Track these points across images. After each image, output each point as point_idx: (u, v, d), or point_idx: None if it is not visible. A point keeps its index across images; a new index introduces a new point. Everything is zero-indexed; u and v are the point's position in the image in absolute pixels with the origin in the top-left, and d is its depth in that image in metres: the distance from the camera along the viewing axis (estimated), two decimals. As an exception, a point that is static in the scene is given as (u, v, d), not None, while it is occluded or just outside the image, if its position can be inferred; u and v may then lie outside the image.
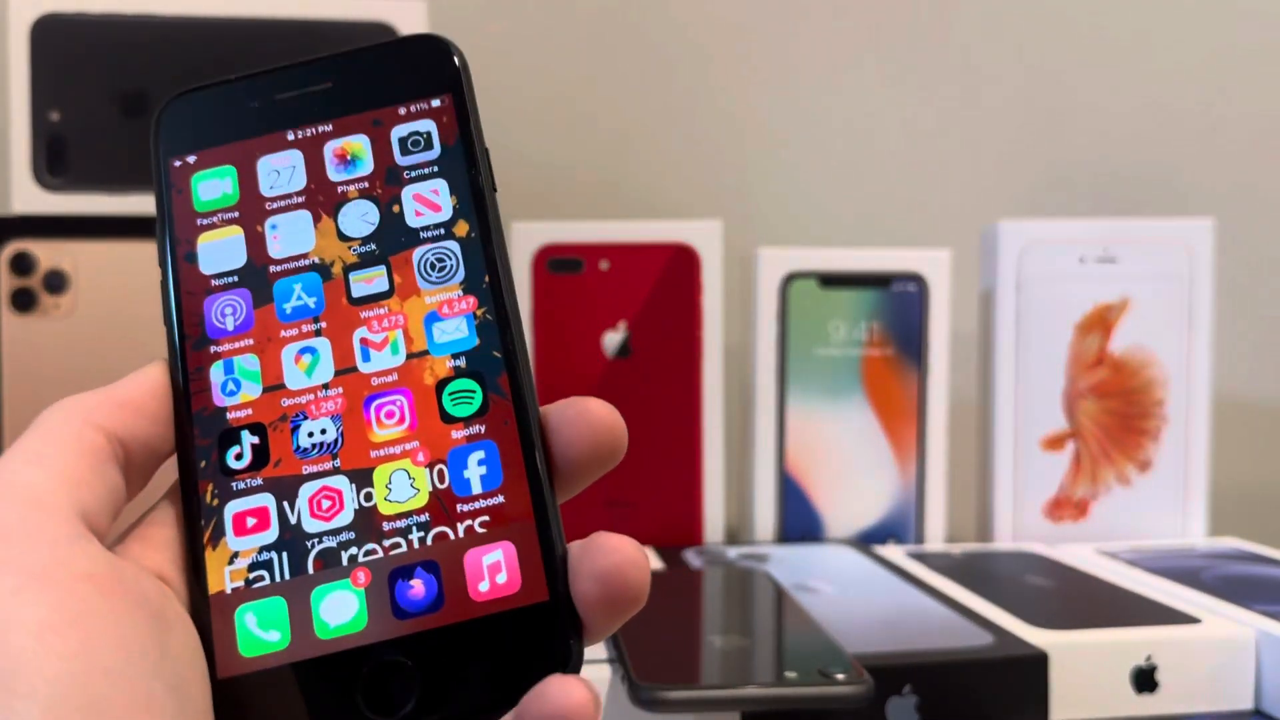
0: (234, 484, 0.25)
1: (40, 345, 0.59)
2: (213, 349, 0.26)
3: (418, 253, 0.27)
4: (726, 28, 0.83)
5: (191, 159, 0.27)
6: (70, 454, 0.24)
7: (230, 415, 0.25)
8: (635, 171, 0.83)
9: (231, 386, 0.26)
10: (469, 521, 0.25)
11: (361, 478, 0.25)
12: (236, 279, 0.27)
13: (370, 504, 0.25)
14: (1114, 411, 0.67)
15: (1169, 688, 0.46)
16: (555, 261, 0.64)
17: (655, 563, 0.60)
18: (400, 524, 0.24)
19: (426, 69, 0.28)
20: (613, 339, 0.65)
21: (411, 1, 0.64)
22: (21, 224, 0.60)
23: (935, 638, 0.46)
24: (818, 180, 0.84)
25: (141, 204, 0.62)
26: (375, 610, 0.24)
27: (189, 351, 0.26)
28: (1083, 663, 0.45)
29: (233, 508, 0.25)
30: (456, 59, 0.28)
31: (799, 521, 0.66)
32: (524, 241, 0.64)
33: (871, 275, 0.66)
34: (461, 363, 0.26)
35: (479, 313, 0.26)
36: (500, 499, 0.25)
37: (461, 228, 0.27)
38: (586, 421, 0.25)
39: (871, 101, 0.84)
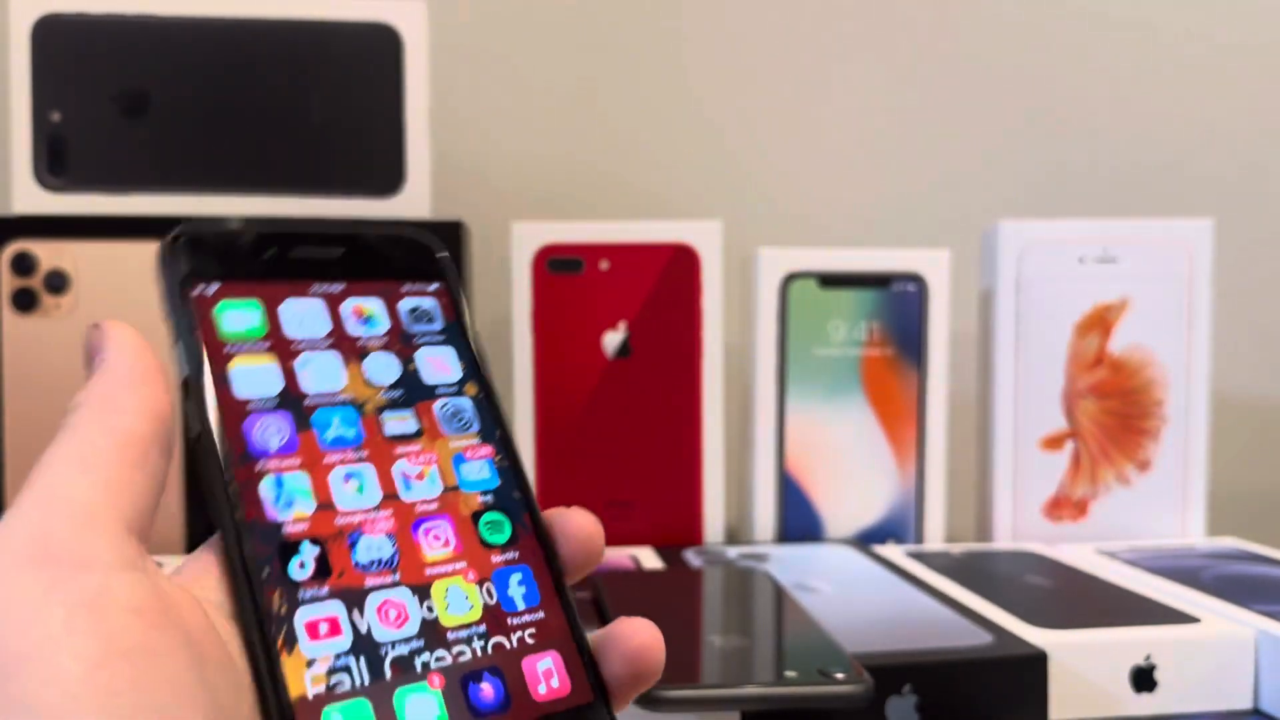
0: (300, 592, 0.25)
1: (41, 345, 0.59)
2: (259, 466, 0.26)
3: (437, 404, 0.30)
4: (727, 28, 0.83)
5: (213, 288, 0.28)
6: (115, 455, 0.24)
7: (287, 529, 0.26)
8: (635, 171, 0.83)
9: (285, 501, 0.26)
10: (520, 633, 0.28)
11: (421, 591, 0.27)
12: (276, 403, 0.27)
13: (433, 615, 0.27)
14: (1113, 411, 0.67)
15: (1168, 687, 0.46)
16: (555, 261, 0.64)
17: (655, 562, 0.60)
18: (463, 634, 0.27)
19: (417, 258, 0.32)
20: (613, 339, 0.65)
21: (412, 2, 0.64)
22: (22, 224, 0.60)
23: (935, 637, 0.46)
24: (818, 180, 0.84)
25: (142, 204, 0.62)
26: (454, 710, 0.26)
27: (236, 466, 0.26)
28: (1082, 662, 0.45)
29: (304, 615, 0.25)
30: (441, 256, 0.32)
31: (799, 521, 0.66)
32: (524, 241, 0.64)
33: (871, 275, 0.66)
34: (490, 499, 0.29)
35: (496, 459, 0.30)
36: (542, 614, 0.28)
37: (470, 389, 0.31)
38: (577, 539, 0.29)
39: (871, 101, 0.84)
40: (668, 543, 0.65)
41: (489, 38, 0.81)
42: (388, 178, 0.64)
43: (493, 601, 0.28)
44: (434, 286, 0.32)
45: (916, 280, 0.66)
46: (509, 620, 0.28)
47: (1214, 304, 0.67)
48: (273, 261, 0.29)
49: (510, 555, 0.28)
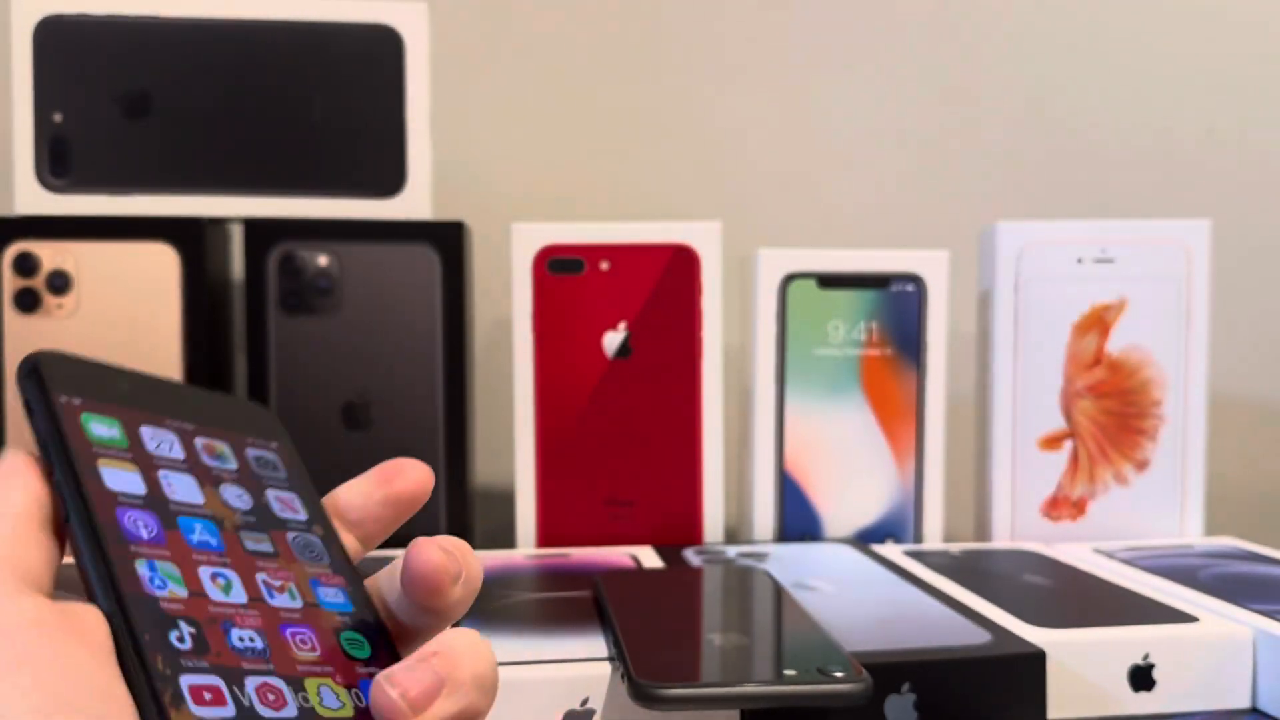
0: (182, 660, 0.26)
1: (43, 345, 0.59)
2: (133, 548, 0.27)
3: (289, 535, 0.31)
4: (726, 28, 0.83)
5: (77, 400, 0.29)
6: (3, 530, 0.25)
7: (164, 605, 0.26)
8: (635, 172, 0.83)
9: (159, 582, 0.27)
10: None
11: (295, 684, 0.27)
12: (142, 502, 0.28)
13: (309, 705, 0.27)
14: (1111, 411, 0.67)
15: (1166, 686, 0.46)
16: (555, 262, 0.65)
17: (655, 562, 0.60)
18: None
19: (257, 421, 0.34)
20: (613, 339, 0.65)
21: (413, 3, 0.64)
22: (25, 225, 0.60)
23: (933, 636, 0.46)
24: (818, 180, 0.85)
25: (145, 205, 0.62)
26: None
27: (112, 544, 0.27)
28: (1080, 661, 0.45)
29: (188, 680, 0.25)
30: (276, 422, 0.35)
31: (798, 520, 0.67)
32: (524, 242, 0.64)
33: (870, 276, 0.66)
34: (348, 620, 0.30)
35: (350, 589, 0.31)
36: None
37: (319, 529, 0.32)
38: (408, 574, 0.30)
39: (870, 102, 0.85)
40: (668, 542, 0.65)
41: (489, 38, 0.82)
42: (389, 178, 0.65)
43: (362, 705, 0.28)
44: (275, 443, 0.34)
45: (915, 281, 0.67)
46: None
47: (1212, 304, 0.67)
48: (130, 394, 0.31)
49: (373, 670, 0.29)
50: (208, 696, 0.25)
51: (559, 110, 0.82)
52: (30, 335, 0.59)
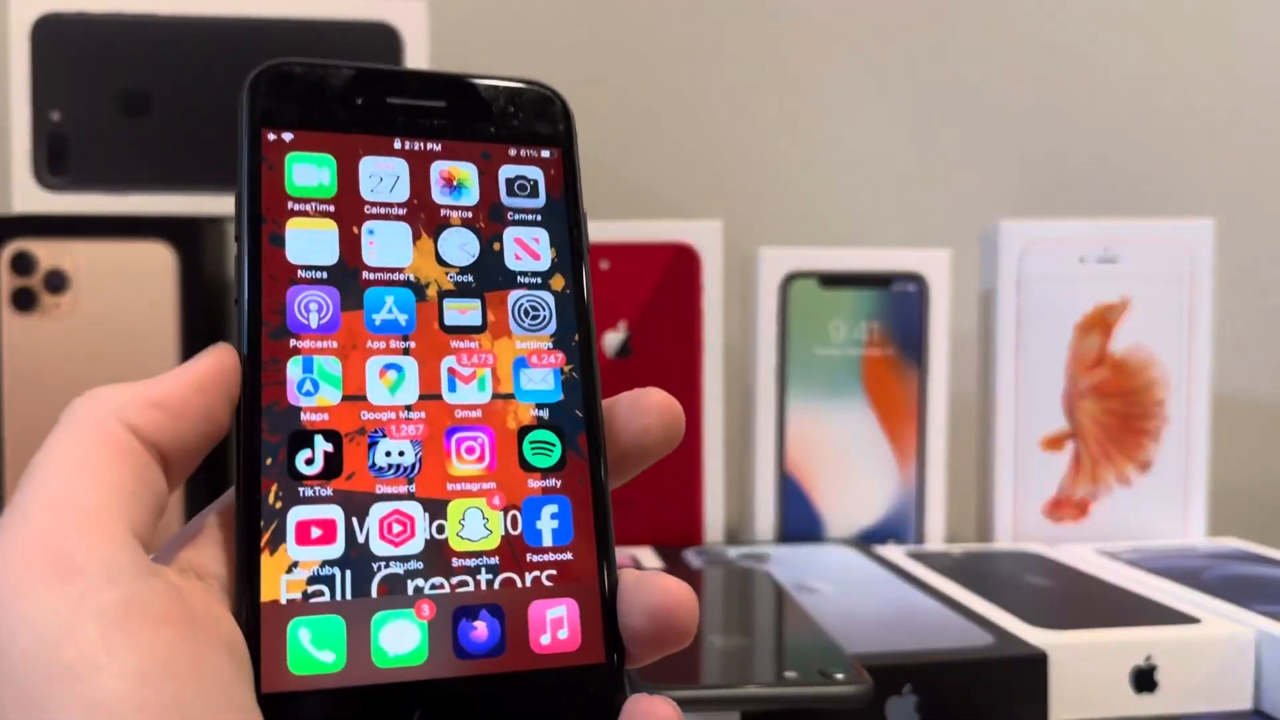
0: (301, 489, 0.23)
1: (41, 345, 0.59)
2: (293, 343, 0.24)
3: (513, 296, 0.26)
4: (727, 28, 0.83)
5: (288, 136, 0.25)
6: (116, 462, 0.22)
7: (305, 417, 0.24)
8: (635, 171, 0.83)
9: (309, 387, 0.24)
10: (537, 573, 0.25)
11: (436, 509, 0.24)
12: (325, 275, 0.25)
13: (442, 537, 0.24)
14: (1114, 411, 0.67)
15: (1168, 688, 0.46)
16: (556, 261, 0.64)
17: (655, 562, 0.60)
18: (470, 563, 0.24)
19: (539, 118, 0.28)
20: (613, 339, 0.65)
21: (412, 1, 0.64)
22: (22, 223, 0.60)
23: (935, 638, 0.46)
24: (818, 180, 0.84)
25: (142, 204, 0.62)
26: (436, 646, 0.23)
27: (266, 339, 0.24)
28: (1082, 663, 0.45)
29: (297, 514, 0.23)
30: (570, 117, 0.28)
31: (799, 521, 0.66)
32: (524, 241, 0.64)
33: (872, 275, 0.66)
34: (545, 414, 0.26)
35: (566, 369, 0.27)
36: (569, 555, 0.25)
37: (558, 282, 0.27)
38: (657, 410, 0.27)
39: (872, 101, 0.84)
40: (668, 543, 0.65)
41: (488, 37, 0.81)
42: (388, 177, 0.64)
43: (515, 532, 0.25)
44: (546, 154, 0.28)
45: (917, 280, 0.66)
46: (529, 556, 0.25)
47: (1215, 304, 0.67)
48: (361, 111, 0.26)
49: (551, 483, 0.25)
50: (316, 533, 0.23)
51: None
52: (27, 335, 0.59)
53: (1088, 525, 0.66)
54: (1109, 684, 0.45)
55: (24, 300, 0.59)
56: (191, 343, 0.60)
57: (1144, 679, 0.46)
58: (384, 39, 0.64)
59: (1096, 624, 0.47)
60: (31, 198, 0.61)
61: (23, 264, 0.59)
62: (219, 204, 0.63)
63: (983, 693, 0.43)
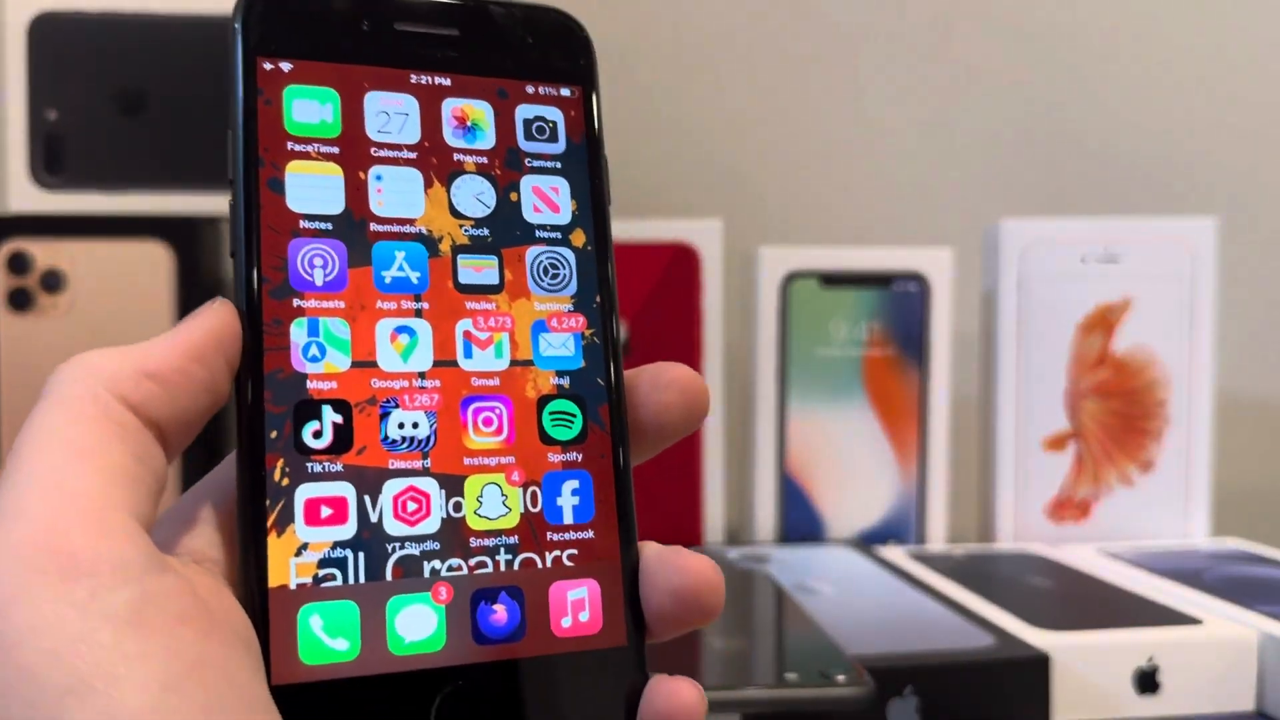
0: (309, 464, 0.21)
1: (37, 345, 0.58)
2: (296, 302, 0.22)
3: (531, 252, 0.24)
4: (727, 27, 0.83)
5: (286, 66, 0.23)
6: (113, 442, 0.20)
7: (311, 385, 0.22)
8: (635, 171, 0.83)
9: (315, 351, 0.22)
10: (557, 552, 0.23)
11: (452, 485, 0.23)
12: (330, 227, 0.23)
13: (459, 515, 0.23)
14: (1116, 411, 0.66)
15: (1171, 689, 0.45)
16: (555, 261, 0.64)
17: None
18: (488, 542, 0.23)
19: (559, 51, 0.26)
20: (612, 339, 0.65)
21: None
22: (18, 223, 0.60)
23: (936, 639, 0.45)
24: (818, 180, 0.84)
25: (139, 203, 0.62)
26: (455, 631, 0.22)
27: (266, 298, 0.22)
28: (1085, 664, 0.45)
29: (306, 491, 0.21)
30: (592, 52, 0.26)
31: (800, 522, 0.66)
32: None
33: (872, 274, 0.66)
34: (565, 382, 0.24)
35: (587, 333, 0.25)
36: (590, 534, 0.24)
37: (578, 237, 0.25)
38: (678, 384, 0.25)
39: (872, 100, 0.84)
40: (667, 543, 0.64)
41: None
42: (386, 176, 0.64)
43: (535, 509, 0.23)
44: (566, 92, 0.26)
45: (918, 280, 0.66)
46: (549, 535, 0.23)
47: (1217, 303, 0.67)
48: (368, 38, 0.24)
49: (572, 456, 0.24)
50: (326, 513, 0.21)
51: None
52: (24, 334, 0.59)
53: (1090, 526, 0.66)
54: (1111, 685, 0.45)
55: (20, 300, 0.59)
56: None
57: (1146, 680, 0.45)
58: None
59: (1099, 625, 0.47)
60: (28, 197, 0.61)
61: (19, 264, 0.59)
62: (217, 203, 0.63)
63: (985, 694, 0.43)
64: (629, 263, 0.64)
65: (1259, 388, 0.86)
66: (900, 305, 0.66)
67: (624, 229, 0.65)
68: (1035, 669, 0.43)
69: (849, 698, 0.37)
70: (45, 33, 0.61)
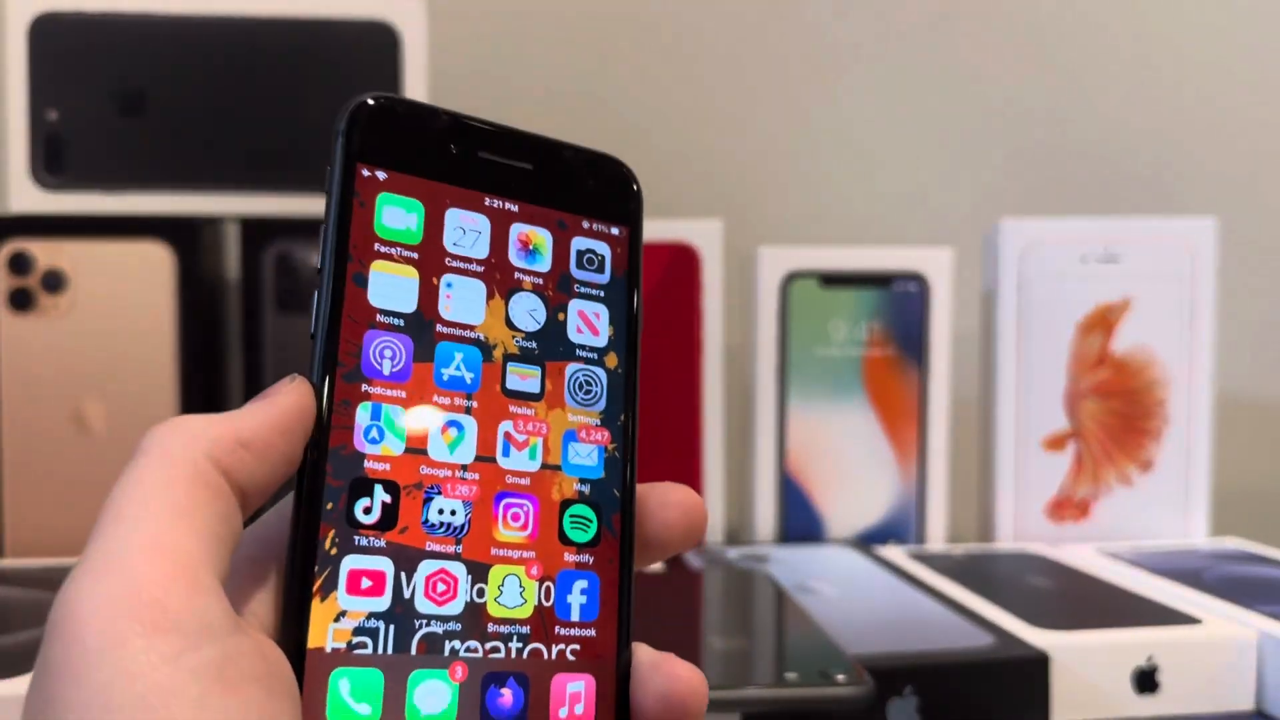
0: (357, 537, 0.23)
1: (38, 344, 0.58)
2: (364, 387, 0.24)
3: (570, 368, 0.27)
4: (727, 27, 0.83)
5: (381, 175, 0.25)
6: (208, 505, 0.22)
7: (368, 464, 0.24)
8: (635, 168, 0.83)
9: (375, 434, 0.24)
10: (562, 645, 0.25)
11: (479, 572, 0.25)
12: (402, 323, 0.25)
13: (481, 601, 0.24)
14: (1116, 411, 0.66)
15: (1170, 689, 0.46)
16: (555, 261, 0.64)
17: (657, 568, 0.60)
18: (504, 629, 0.25)
19: (614, 194, 0.29)
20: (612, 339, 0.65)
21: (410, 1, 0.64)
22: (19, 223, 0.60)
23: (936, 639, 0.45)
24: (818, 180, 0.84)
25: (140, 203, 0.62)
26: (465, 709, 0.24)
27: (340, 380, 0.24)
28: (1084, 664, 0.45)
29: (351, 562, 0.23)
30: (640, 199, 0.29)
31: (799, 522, 0.66)
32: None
33: (872, 274, 0.66)
34: (586, 489, 0.26)
35: (609, 447, 0.27)
36: (592, 632, 0.26)
37: (612, 359, 0.27)
38: (682, 508, 0.27)
39: (872, 100, 0.84)
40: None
41: (487, 36, 0.81)
42: (386, 177, 0.64)
43: (548, 604, 0.25)
44: (615, 231, 0.28)
45: (918, 280, 0.66)
46: (557, 629, 0.25)
47: (1217, 303, 0.67)
48: (455, 160, 0.26)
49: (585, 558, 0.26)
50: (366, 584, 0.23)
51: (558, 106, 0.82)
52: (25, 334, 0.59)
53: (1089, 525, 0.66)
54: (1110, 685, 0.45)
55: (21, 300, 0.59)
56: (188, 342, 0.59)
57: (1146, 680, 0.45)
58: (381, 36, 0.63)
59: (1098, 625, 0.47)
60: (28, 197, 0.61)
61: (20, 264, 0.59)
62: (216, 204, 0.63)
63: (984, 694, 0.43)
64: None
65: (1259, 388, 0.86)
66: (900, 305, 0.66)
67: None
68: (1035, 669, 0.44)
69: (849, 697, 0.37)
70: (46, 33, 0.61)
